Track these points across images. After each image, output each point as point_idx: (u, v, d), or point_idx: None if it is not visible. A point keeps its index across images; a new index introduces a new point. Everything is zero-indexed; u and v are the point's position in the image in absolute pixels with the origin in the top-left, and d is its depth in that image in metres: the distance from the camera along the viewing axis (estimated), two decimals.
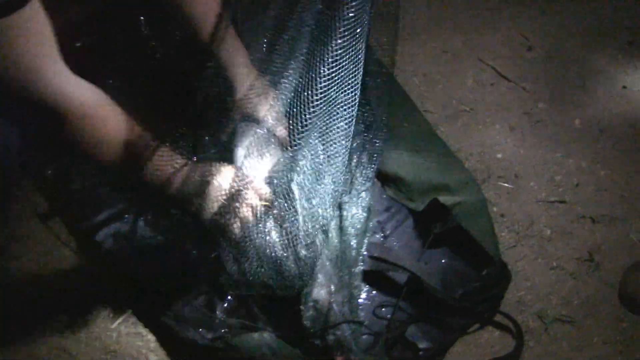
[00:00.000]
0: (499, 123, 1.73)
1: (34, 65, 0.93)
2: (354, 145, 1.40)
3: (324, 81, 1.07)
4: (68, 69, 0.99)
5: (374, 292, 1.40)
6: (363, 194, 1.42)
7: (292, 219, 1.22)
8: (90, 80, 1.05)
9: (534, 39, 1.92)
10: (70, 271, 1.42)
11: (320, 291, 1.29)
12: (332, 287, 1.30)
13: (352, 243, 1.36)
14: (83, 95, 1.02)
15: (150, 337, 1.36)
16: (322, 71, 1.07)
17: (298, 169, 1.21)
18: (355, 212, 1.40)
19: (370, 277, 1.39)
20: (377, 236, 1.46)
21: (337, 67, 1.07)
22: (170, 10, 1.28)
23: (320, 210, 1.27)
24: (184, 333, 1.29)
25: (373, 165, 1.47)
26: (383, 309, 1.37)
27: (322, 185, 1.26)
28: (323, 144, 1.23)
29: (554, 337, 1.38)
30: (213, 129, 1.23)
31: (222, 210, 1.14)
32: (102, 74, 1.20)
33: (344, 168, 1.29)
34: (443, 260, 1.43)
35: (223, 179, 1.13)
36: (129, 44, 1.45)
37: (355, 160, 1.44)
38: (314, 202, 1.26)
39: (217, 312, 1.33)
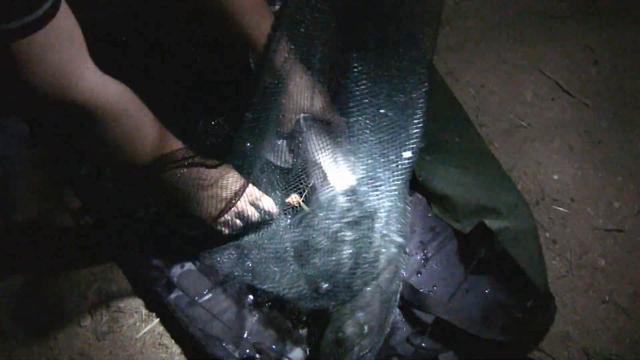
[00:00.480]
0: (557, 141, 1.64)
1: (67, 70, 0.92)
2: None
3: None
4: (97, 69, 0.99)
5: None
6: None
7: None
8: (121, 79, 1.06)
9: (601, 52, 1.81)
10: (100, 274, 1.40)
11: (352, 329, 1.23)
12: (366, 329, 1.23)
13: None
14: (113, 95, 1.03)
15: (176, 349, 1.33)
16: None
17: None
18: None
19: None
20: (417, 257, 1.39)
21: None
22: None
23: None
24: (211, 349, 1.26)
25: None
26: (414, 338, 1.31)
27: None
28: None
29: None
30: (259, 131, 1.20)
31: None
32: (133, 73, 1.17)
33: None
34: (487, 290, 1.35)
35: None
36: (162, 43, 1.44)
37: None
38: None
39: (246, 330, 1.28)
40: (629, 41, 1.84)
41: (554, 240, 1.47)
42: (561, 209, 1.52)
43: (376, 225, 1.26)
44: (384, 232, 1.26)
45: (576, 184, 1.56)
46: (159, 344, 1.33)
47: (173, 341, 1.33)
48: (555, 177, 1.57)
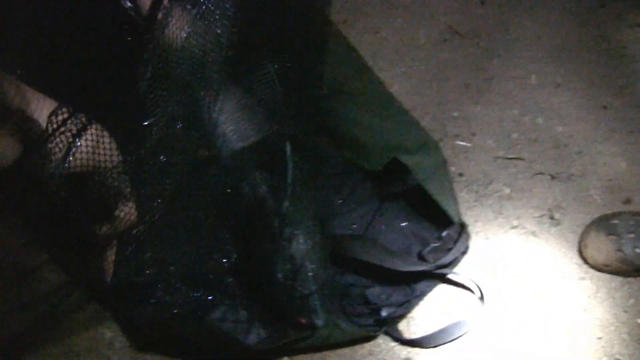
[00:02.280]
0: (453, 80, 1.68)
1: None
2: None
3: None
4: None
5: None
6: None
7: None
8: None
9: None
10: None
11: (299, 247, 1.23)
12: (310, 243, 1.25)
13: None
14: None
15: (106, 313, 1.30)
16: None
17: None
18: None
19: None
20: (336, 200, 1.40)
21: None
22: None
23: None
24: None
25: None
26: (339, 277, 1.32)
27: None
28: None
29: (516, 296, 1.34)
30: None
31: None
32: None
33: None
34: (403, 224, 1.38)
35: None
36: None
37: None
38: None
39: None
40: None
41: (461, 174, 1.50)
42: (463, 143, 1.56)
43: None
44: None
45: (475, 119, 1.60)
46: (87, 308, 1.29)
47: None
48: (455, 114, 1.61)
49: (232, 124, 1.28)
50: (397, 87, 1.64)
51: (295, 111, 1.36)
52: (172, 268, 1.27)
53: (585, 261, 1.39)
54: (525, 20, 1.80)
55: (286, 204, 1.24)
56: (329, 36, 1.45)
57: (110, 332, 1.28)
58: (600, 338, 1.30)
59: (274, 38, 1.33)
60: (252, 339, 1.24)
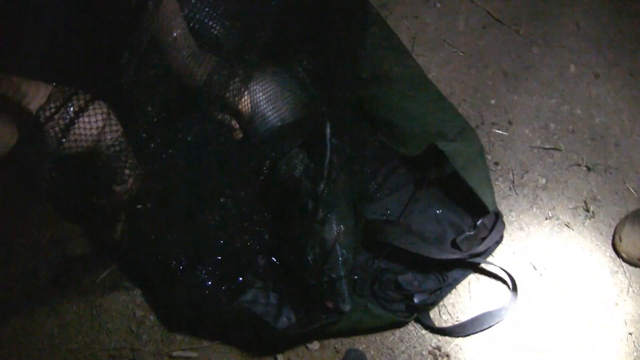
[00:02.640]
0: (491, 67, 1.67)
1: None
2: None
3: None
4: None
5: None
6: None
7: None
8: None
9: None
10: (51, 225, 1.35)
11: (332, 230, 1.25)
12: (342, 228, 1.26)
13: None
14: None
15: (137, 291, 1.31)
16: None
17: None
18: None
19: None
20: (371, 184, 1.40)
21: None
22: None
23: None
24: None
25: None
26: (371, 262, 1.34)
27: None
28: None
29: (548, 287, 1.35)
30: None
31: None
32: None
33: None
34: (438, 211, 1.39)
35: None
36: None
37: None
38: None
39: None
40: None
41: (496, 162, 1.50)
42: (500, 132, 1.55)
43: None
44: None
45: (512, 107, 1.60)
46: (120, 286, 1.30)
47: (132, 283, 1.31)
48: (493, 101, 1.60)
49: (269, 103, 1.29)
50: (435, 73, 1.64)
51: (334, 94, 1.37)
52: (200, 248, 1.28)
53: (619, 255, 1.39)
54: (565, 9, 1.78)
55: (322, 186, 1.25)
56: (368, 19, 1.46)
57: (141, 311, 1.30)
58: (631, 333, 1.30)
59: (314, 21, 1.34)
60: (283, 322, 1.26)
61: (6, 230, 1.32)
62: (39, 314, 1.28)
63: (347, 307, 1.21)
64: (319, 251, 1.24)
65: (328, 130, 1.27)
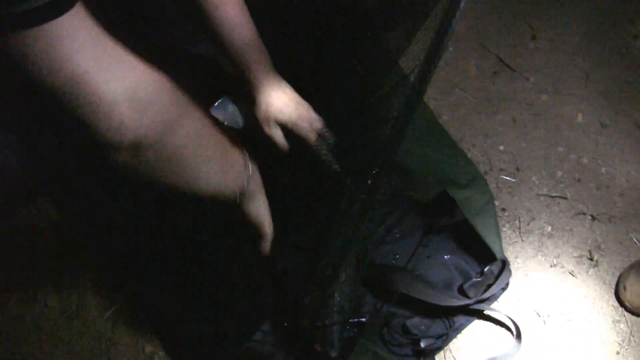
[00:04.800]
0: (501, 113, 1.71)
1: (78, 71, 0.70)
2: None
3: None
4: (123, 69, 0.76)
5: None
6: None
7: None
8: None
9: (538, 27, 1.89)
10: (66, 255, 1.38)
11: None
12: (344, 276, 1.25)
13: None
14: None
15: (147, 326, 1.33)
16: None
17: None
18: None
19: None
20: (379, 229, 1.44)
21: None
22: None
23: None
24: None
25: None
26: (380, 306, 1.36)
27: None
28: None
29: (552, 335, 1.37)
30: None
31: None
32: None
33: None
34: (446, 256, 1.42)
35: None
36: None
37: None
38: None
39: None
40: (565, 18, 1.91)
41: (504, 209, 1.54)
42: (508, 178, 1.59)
43: None
44: None
45: (521, 154, 1.63)
46: (130, 320, 1.33)
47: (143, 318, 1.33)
48: (501, 147, 1.64)
49: None
50: (446, 117, 1.68)
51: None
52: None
53: (622, 304, 1.42)
54: (575, 58, 1.82)
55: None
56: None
57: (150, 347, 1.33)
58: None
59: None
60: None
61: (19, 257, 1.35)
62: (47, 344, 1.31)
63: (334, 354, 1.24)
64: (317, 294, 1.25)
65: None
